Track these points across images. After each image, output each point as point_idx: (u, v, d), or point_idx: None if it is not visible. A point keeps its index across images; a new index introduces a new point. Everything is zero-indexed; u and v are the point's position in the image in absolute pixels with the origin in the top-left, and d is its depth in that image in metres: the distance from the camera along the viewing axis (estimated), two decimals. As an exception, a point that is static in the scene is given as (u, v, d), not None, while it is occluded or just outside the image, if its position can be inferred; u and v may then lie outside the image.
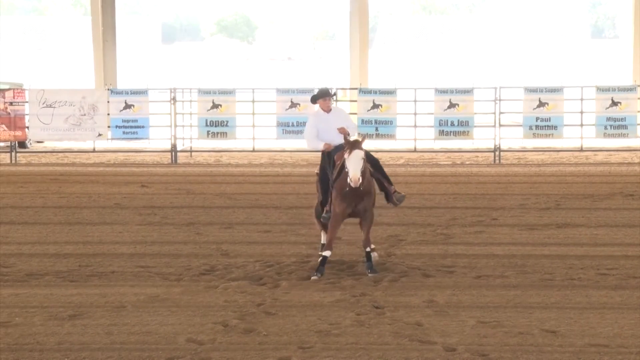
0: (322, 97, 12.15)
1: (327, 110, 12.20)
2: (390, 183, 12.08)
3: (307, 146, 12.74)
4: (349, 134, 11.82)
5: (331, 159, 11.96)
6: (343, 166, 11.57)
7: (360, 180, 11.28)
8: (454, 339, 8.98)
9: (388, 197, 12.12)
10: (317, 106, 12.38)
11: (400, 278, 11.46)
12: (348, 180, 11.32)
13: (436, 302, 10.34)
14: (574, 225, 15.14)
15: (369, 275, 11.55)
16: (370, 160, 11.94)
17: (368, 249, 11.78)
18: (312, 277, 11.46)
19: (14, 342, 8.95)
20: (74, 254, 13.02)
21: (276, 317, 9.75)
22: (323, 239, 12.28)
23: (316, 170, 12.72)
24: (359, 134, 12.38)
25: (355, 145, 11.43)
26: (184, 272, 11.85)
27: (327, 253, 11.68)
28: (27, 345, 8.86)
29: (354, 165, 11.31)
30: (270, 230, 14.81)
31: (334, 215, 11.68)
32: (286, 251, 13.09)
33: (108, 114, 26.39)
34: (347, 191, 11.46)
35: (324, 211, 11.97)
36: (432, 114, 26.08)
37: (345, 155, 11.40)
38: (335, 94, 12.24)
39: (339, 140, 11.88)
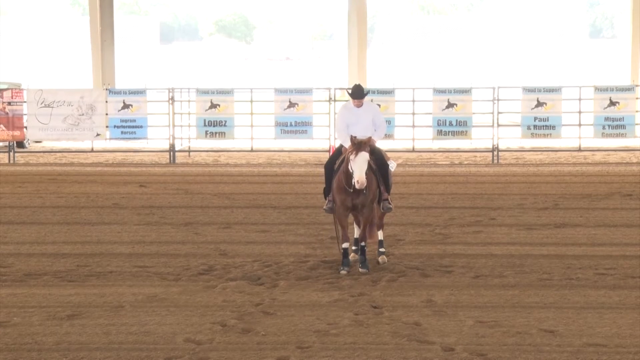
0: (355, 97, 12.18)
1: (359, 106, 12.25)
2: (387, 190, 12.12)
3: (337, 137, 12.81)
4: (373, 143, 11.95)
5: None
6: (344, 160, 11.74)
7: (366, 183, 11.42)
8: (452, 338, 8.98)
9: (379, 199, 12.15)
10: (349, 99, 12.41)
11: (398, 278, 11.46)
12: (353, 181, 11.45)
13: (434, 302, 10.34)
14: (572, 225, 15.14)
15: (360, 269, 11.66)
16: (378, 159, 11.99)
17: (363, 244, 11.86)
18: (341, 272, 11.64)
19: (13, 342, 8.94)
20: (72, 253, 13.01)
21: (274, 317, 9.75)
22: (356, 233, 12.38)
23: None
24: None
25: (361, 147, 11.49)
26: (182, 272, 11.85)
27: (345, 245, 11.88)
28: (26, 345, 8.85)
29: (359, 168, 11.40)
30: (269, 230, 14.81)
31: (337, 207, 11.90)
32: (284, 251, 13.09)
33: (106, 114, 26.36)
34: (345, 186, 11.64)
35: (327, 201, 12.13)
36: (430, 113, 26.06)
37: (351, 157, 11.47)
38: (367, 93, 12.33)
39: (365, 134, 11.97)
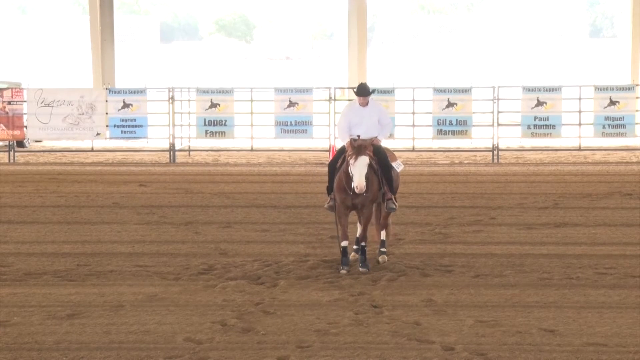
0: (360, 95, 12.19)
1: (364, 105, 12.25)
2: (391, 190, 12.11)
3: (338, 136, 12.82)
4: (377, 144, 11.98)
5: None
6: (345, 159, 11.77)
7: (365, 187, 11.43)
8: (452, 338, 8.98)
9: (382, 199, 12.17)
10: (355, 98, 12.41)
11: (398, 277, 11.46)
12: (353, 185, 11.48)
13: (434, 301, 10.34)
14: (572, 224, 15.14)
15: (360, 269, 11.69)
16: (381, 160, 11.99)
17: (363, 244, 11.88)
18: (341, 271, 11.63)
19: (13, 342, 8.94)
20: (72, 253, 13.01)
21: (274, 317, 9.75)
22: (358, 232, 12.37)
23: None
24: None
25: (361, 151, 11.50)
26: (182, 271, 11.85)
27: (344, 243, 11.88)
28: (26, 345, 8.85)
29: (358, 172, 11.42)
30: (269, 229, 14.81)
31: (337, 205, 11.92)
32: (284, 250, 13.09)
33: (106, 113, 26.37)
34: (346, 186, 11.67)
35: (329, 199, 12.16)
36: (430, 113, 26.08)
37: (351, 161, 11.48)
38: (373, 91, 12.34)
39: (369, 134, 11.99)
